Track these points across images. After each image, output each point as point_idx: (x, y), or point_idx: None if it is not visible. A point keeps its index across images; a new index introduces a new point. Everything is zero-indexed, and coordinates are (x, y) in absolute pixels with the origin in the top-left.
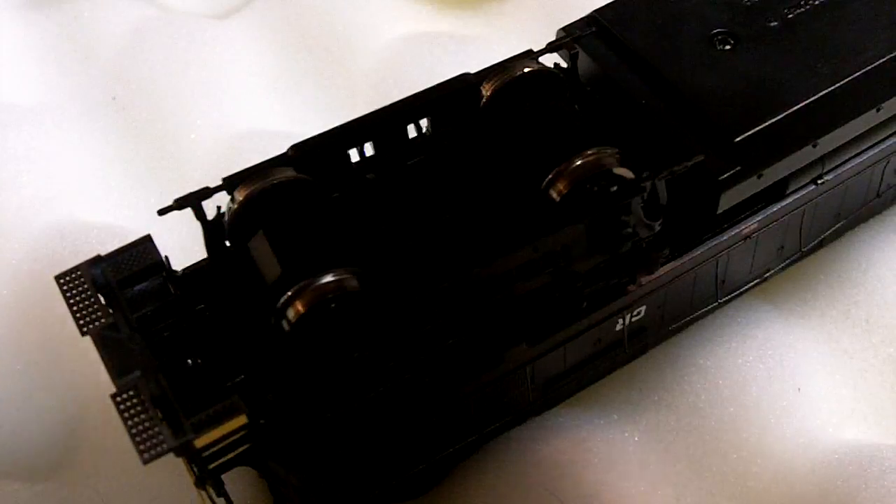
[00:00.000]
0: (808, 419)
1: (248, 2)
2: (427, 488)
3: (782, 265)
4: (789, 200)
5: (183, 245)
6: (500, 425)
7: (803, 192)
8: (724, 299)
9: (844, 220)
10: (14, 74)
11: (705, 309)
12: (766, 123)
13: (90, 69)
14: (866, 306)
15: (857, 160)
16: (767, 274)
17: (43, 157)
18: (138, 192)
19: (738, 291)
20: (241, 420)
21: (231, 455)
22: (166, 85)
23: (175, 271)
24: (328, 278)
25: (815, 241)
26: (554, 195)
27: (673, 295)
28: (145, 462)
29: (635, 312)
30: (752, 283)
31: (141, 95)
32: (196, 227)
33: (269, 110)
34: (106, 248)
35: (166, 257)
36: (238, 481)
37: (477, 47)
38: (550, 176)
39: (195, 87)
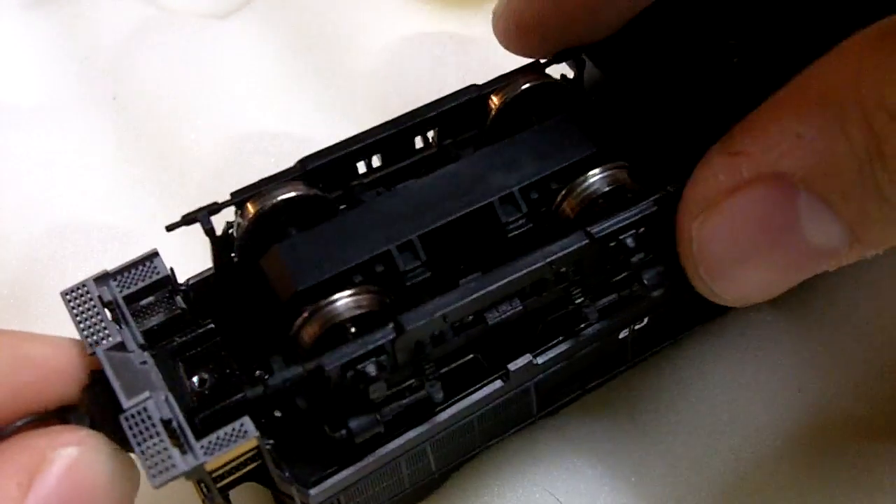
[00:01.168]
0: (807, 420)
1: (248, 2)
2: (427, 491)
3: None
4: None
5: (183, 251)
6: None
7: None
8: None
9: None
10: (14, 74)
11: (710, 317)
12: None
13: (90, 69)
14: (866, 308)
15: None
16: None
17: (43, 157)
18: (138, 192)
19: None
20: (252, 444)
21: (240, 474)
22: (166, 85)
23: (181, 285)
24: (343, 300)
25: None
26: (567, 211)
27: (678, 305)
28: (156, 486)
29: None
30: None
31: (141, 95)
32: (195, 233)
33: (269, 110)
34: (106, 248)
35: (171, 269)
36: (243, 491)
37: (477, 47)
38: (563, 192)
39: (195, 87)
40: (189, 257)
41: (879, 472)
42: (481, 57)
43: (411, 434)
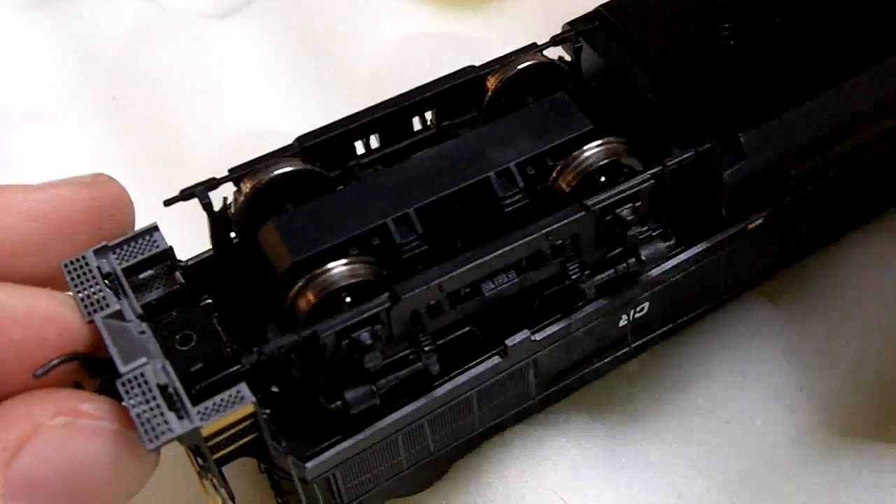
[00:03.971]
0: (809, 418)
1: (248, 2)
2: (428, 483)
3: (785, 263)
4: (793, 196)
5: (184, 243)
6: (501, 422)
7: (808, 187)
8: (727, 296)
9: (848, 220)
10: (14, 74)
11: (708, 306)
12: (772, 118)
13: (90, 69)
14: (867, 306)
15: (862, 156)
16: (770, 271)
17: (43, 156)
18: (139, 192)
19: (740, 289)
20: (248, 409)
21: (235, 446)
22: (166, 85)
23: (180, 261)
24: (338, 268)
25: (819, 239)
26: (563, 186)
27: (676, 291)
28: (150, 449)
29: (639, 308)
30: (754, 281)
31: (141, 95)
32: (196, 224)
33: (269, 110)
34: None
35: (170, 247)
36: (236, 475)
37: (477, 47)
38: (559, 167)
39: (195, 87)
40: (190, 247)
41: (881, 469)
42: (481, 57)
43: (409, 408)
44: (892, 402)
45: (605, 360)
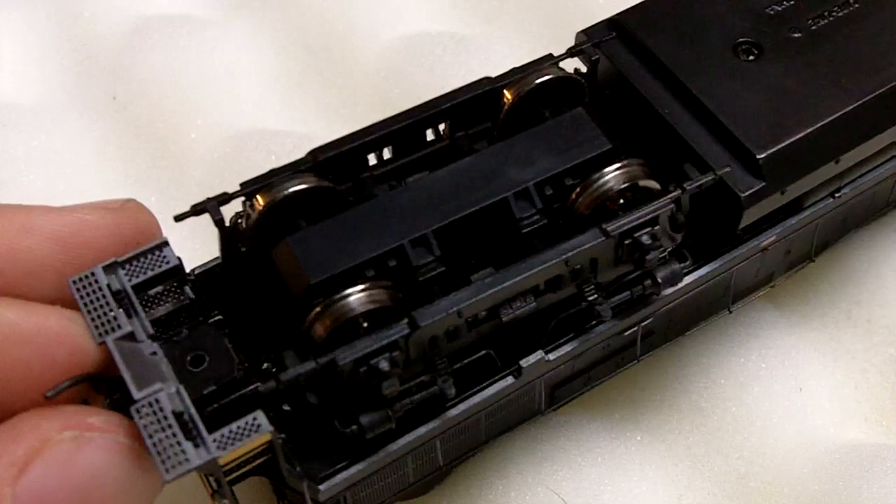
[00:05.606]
0: (809, 419)
1: (248, 2)
2: (430, 486)
3: (789, 271)
4: (806, 213)
5: (183, 244)
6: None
7: (820, 205)
8: (733, 307)
9: (852, 226)
10: (14, 74)
11: (715, 316)
12: (790, 140)
13: (90, 69)
14: (868, 306)
15: (874, 174)
16: (774, 280)
17: (43, 157)
18: (138, 192)
19: (746, 298)
20: (266, 438)
21: (248, 468)
22: (166, 85)
23: (189, 275)
24: (356, 295)
25: (824, 249)
26: (582, 209)
27: (685, 303)
28: (167, 480)
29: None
30: (760, 291)
31: (141, 95)
32: (197, 230)
33: (269, 110)
34: None
35: (179, 259)
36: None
37: (477, 46)
38: (578, 190)
39: (195, 87)
40: (190, 247)
41: (882, 469)
42: (481, 57)
43: (422, 430)
44: (893, 401)
45: (614, 368)
